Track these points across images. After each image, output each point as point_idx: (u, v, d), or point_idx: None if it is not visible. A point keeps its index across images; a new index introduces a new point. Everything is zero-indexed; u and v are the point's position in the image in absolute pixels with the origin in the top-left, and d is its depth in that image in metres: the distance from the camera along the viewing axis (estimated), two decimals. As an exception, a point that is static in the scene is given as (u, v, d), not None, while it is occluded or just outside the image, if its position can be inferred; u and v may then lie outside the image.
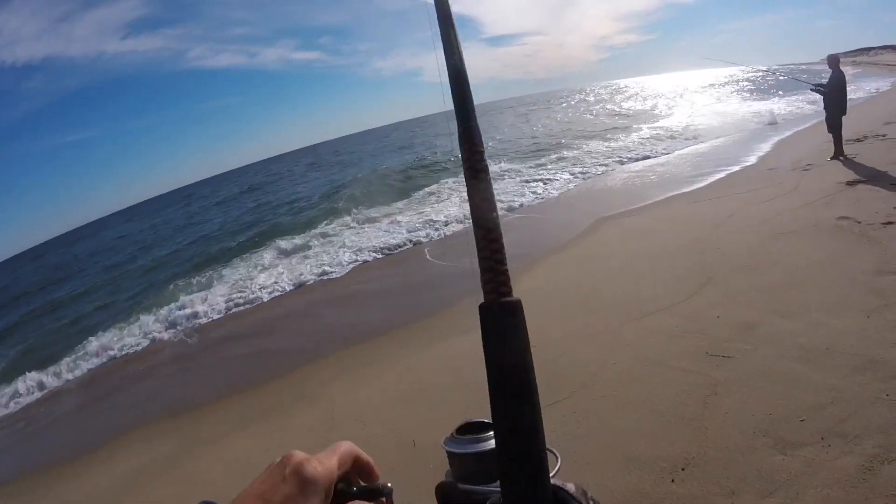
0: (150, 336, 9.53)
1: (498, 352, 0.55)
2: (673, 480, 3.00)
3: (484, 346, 0.55)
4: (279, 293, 10.11)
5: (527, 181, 15.56)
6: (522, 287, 6.80)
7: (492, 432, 0.62)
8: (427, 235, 11.45)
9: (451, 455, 0.68)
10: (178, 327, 9.60)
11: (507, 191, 14.48)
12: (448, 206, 14.20)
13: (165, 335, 9.46)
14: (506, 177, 16.94)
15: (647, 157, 16.42)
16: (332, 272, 10.38)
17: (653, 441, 3.36)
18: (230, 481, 4.17)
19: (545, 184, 14.76)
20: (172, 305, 10.74)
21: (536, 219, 11.55)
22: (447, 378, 4.89)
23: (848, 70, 10.43)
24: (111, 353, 9.37)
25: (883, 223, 6.06)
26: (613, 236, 8.43)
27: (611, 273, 6.74)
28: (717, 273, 5.71)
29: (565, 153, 19.97)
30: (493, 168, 17.64)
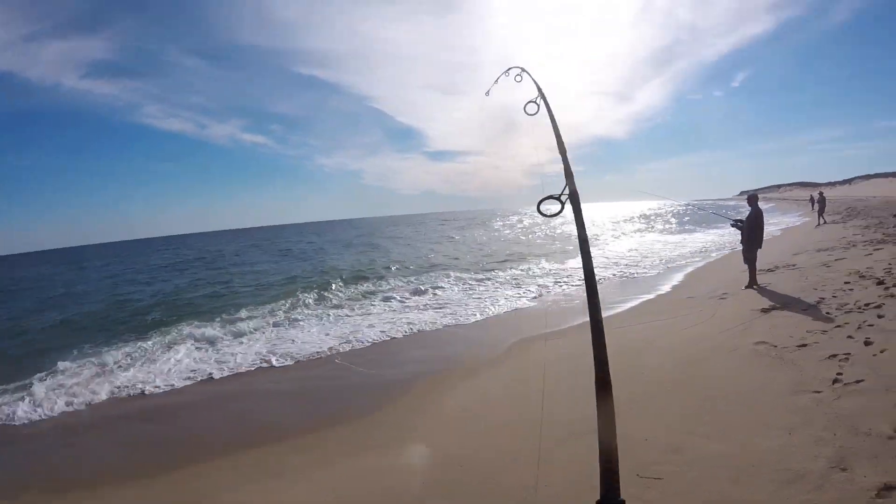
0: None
1: None
2: None
3: None
4: (182, 383, 9.27)
5: (470, 293, 15.78)
6: (452, 403, 6.76)
7: None
8: (349, 343, 10.99)
9: None
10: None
11: (452, 300, 14.89)
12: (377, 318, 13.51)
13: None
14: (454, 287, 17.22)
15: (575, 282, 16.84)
16: (237, 368, 9.79)
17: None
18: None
19: (481, 301, 14.76)
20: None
21: (466, 334, 11.55)
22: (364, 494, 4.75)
23: (762, 205, 11.41)
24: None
25: (797, 346, 6.43)
26: (541, 356, 8.48)
27: (534, 392, 6.59)
28: (642, 397, 5.80)
29: (500, 273, 20.21)
30: (442, 281, 17.78)
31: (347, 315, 14.01)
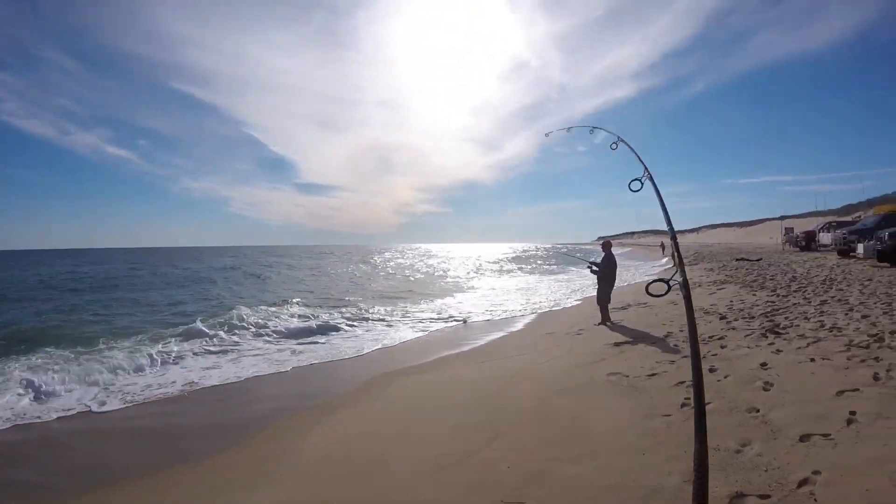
0: None
1: None
2: None
3: None
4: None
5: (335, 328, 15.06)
6: (310, 444, 6.20)
7: None
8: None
9: None
10: None
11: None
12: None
13: None
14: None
15: (444, 319, 16.69)
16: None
17: None
18: None
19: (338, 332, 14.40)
20: None
21: (329, 369, 10.94)
22: None
23: (616, 251, 12.07)
24: None
25: (648, 375, 6.79)
26: (402, 391, 8.31)
27: (399, 429, 6.46)
28: (503, 427, 5.80)
29: (365, 308, 19.58)
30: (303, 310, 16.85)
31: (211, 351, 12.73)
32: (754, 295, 12.23)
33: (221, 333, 13.57)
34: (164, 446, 6.65)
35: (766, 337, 7.77)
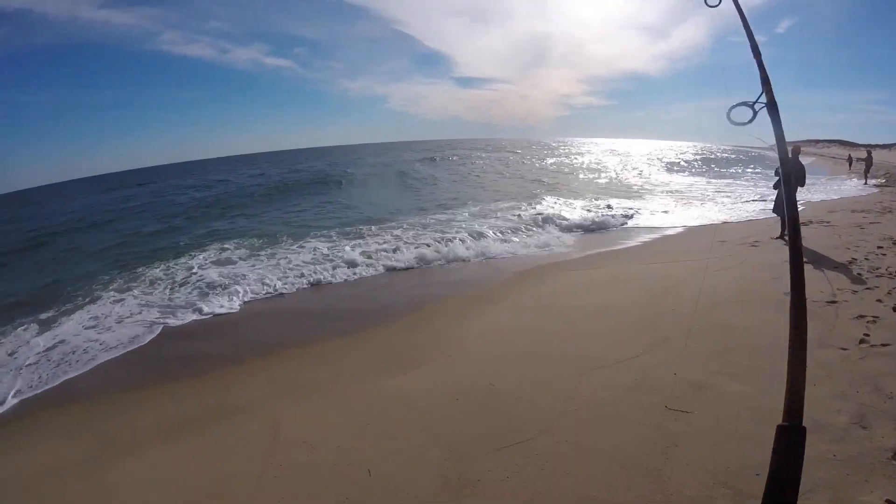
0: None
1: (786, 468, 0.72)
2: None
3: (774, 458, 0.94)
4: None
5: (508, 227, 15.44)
6: (475, 329, 6.93)
7: None
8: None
9: None
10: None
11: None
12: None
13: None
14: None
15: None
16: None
17: (614, 489, 3.48)
18: (157, 502, 3.98)
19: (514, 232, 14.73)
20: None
21: (494, 262, 11.76)
22: (405, 414, 4.85)
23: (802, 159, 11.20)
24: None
25: (827, 302, 6.52)
26: (565, 286, 8.75)
27: (563, 324, 6.87)
28: (671, 333, 5.98)
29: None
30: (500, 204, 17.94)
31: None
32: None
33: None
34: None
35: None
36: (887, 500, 3.07)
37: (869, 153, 27.52)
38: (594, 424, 4.28)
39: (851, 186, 23.70)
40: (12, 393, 6.46)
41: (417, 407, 4.93)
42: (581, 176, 37.44)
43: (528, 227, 15.27)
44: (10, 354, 7.65)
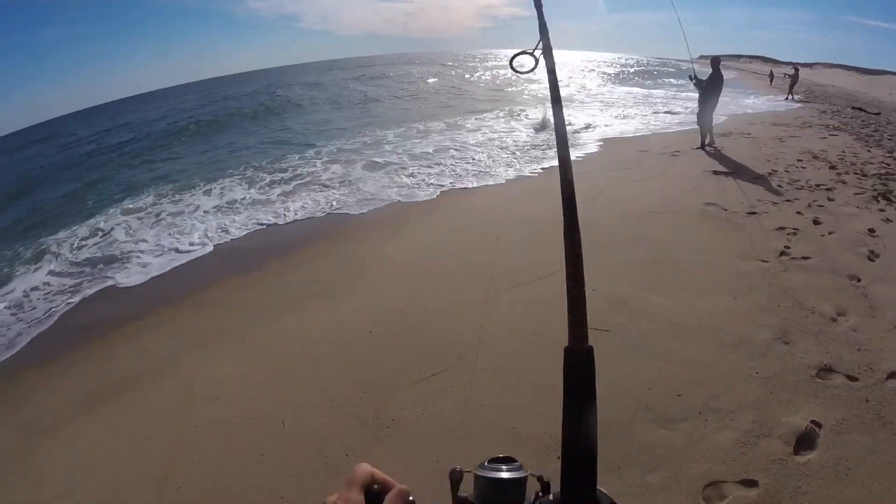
0: None
1: (575, 385, 0.69)
2: (559, 457, 2.84)
3: (565, 380, 0.70)
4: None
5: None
6: (388, 251, 6.45)
7: (518, 464, 0.72)
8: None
9: (479, 479, 0.72)
10: None
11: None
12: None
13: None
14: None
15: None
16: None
17: (535, 416, 3.20)
18: (87, 478, 3.56)
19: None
20: None
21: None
22: (319, 352, 4.41)
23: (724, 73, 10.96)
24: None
25: (747, 213, 6.45)
26: (491, 201, 8.30)
27: (481, 240, 6.48)
28: (590, 247, 5.61)
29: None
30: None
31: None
32: (869, 151, 10.78)
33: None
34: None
35: (878, 201, 6.90)
36: (812, 421, 2.93)
37: (796, 70, 27.87)
38: (512, 349, 3.98)
39: (771, 101, 24.10)
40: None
41: (331, 342, 4.49)
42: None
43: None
44: None
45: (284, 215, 8.81)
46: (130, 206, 11.47)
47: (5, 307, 7.23)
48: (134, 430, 3.93)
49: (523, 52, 1.86)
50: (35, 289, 7.57)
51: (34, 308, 6.99)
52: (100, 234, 9.68)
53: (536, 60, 1.87)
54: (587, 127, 15.74)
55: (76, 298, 6.83)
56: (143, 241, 8.59)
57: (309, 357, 4.34)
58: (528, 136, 14.68)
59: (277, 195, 10.18)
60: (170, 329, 5.53)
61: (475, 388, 3.57)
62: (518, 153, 12.15)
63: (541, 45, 1.81)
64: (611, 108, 21.42)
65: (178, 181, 13.33)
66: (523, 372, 3.67)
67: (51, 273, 8.17)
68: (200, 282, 6.61)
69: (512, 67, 1.94)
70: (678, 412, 3.07)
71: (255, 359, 4.52)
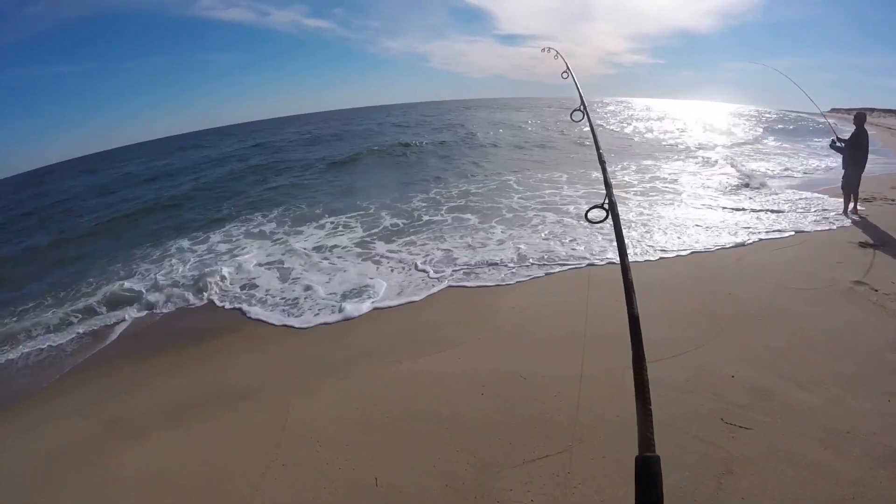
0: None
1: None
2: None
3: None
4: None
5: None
6: (507, 305, 6.40)
7: None
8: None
9: None
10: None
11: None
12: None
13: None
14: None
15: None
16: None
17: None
18: (159, 495, 3.72)
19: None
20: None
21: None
22: (423, 405, 4.39)
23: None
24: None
25: (902, 293, 5.79)
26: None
27: (607, 309, 6.15)
28: (728, 324, 5.34)
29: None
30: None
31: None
32: None
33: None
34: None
35: None
36: None
37: None
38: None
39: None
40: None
41: (438, 398, 4.44)
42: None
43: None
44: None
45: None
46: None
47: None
48: (220, 453, 4.06)
49: (595, 207, 1.94)
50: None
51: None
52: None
53: (607, 212, 1.95)
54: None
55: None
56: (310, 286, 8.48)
57: (413, 411, 4.29)
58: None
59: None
60: (271, 352, 5.75)
61: (594, 478, 3.37)
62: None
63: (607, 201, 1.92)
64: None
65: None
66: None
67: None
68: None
69: (587, 219, 1.98)
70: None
71: (360, 400, 4.55)
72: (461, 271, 8.03)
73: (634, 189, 14.13)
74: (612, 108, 72.93)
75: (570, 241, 9.09)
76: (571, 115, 3.36)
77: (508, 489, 3.33)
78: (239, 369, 5.59)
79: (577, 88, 3.79)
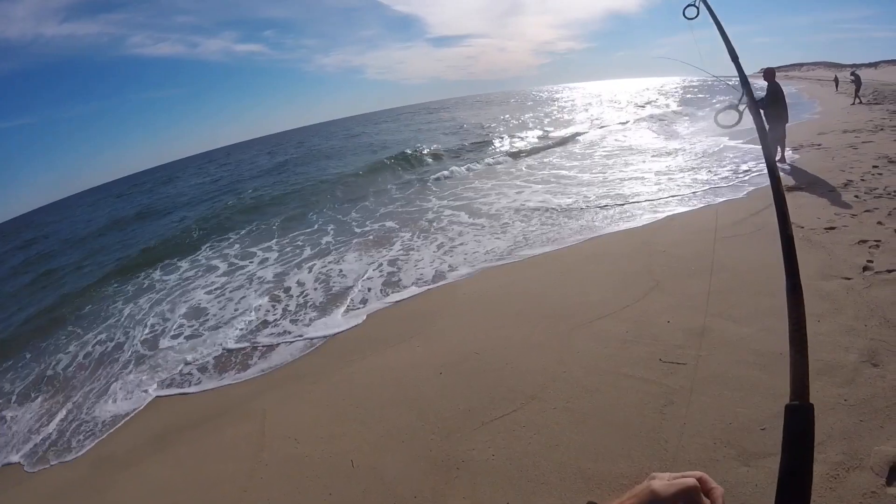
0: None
1: (799, 448, 0.83)
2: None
3: (785, 440, 0.84)
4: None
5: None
6: (462, 292, 6.63)
7: None
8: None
9: None
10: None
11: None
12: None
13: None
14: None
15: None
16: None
17: (610, 456, 3.18)
18: None
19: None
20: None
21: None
22: (390, 393, 4.60)
23: (786, 86, 10.53)
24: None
25: (825, 228, 6.16)
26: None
27: (554, 277, 6.54)
28: (663, 277, 5.65)
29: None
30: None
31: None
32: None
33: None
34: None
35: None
36: None
37: (856, 76, 25.92)
38: (586, 387, 3.96)
39: (839, 108, 22.86)
40: None
41: (402, 384, 4.68)
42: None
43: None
44: None
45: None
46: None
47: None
48: (207, 468, 4.23)
49: (729, 107, 1.99)
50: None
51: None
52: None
53: (740, 114, 2.01)
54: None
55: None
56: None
57: (380, 399, 4.53)
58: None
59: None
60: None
61: (548, 427, 3.58)
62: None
63: (744, 99, 1.92)
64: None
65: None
66: (597, 410, 3.65)
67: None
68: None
69: (717, 122, 2.06)
70: (761, 448, 2.95)
71: (331, 396, 4.79)
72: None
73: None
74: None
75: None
76: (684, 10, 2.61)
77: (472, 449, 3.54)
78: (211, 392, 5.74)
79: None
